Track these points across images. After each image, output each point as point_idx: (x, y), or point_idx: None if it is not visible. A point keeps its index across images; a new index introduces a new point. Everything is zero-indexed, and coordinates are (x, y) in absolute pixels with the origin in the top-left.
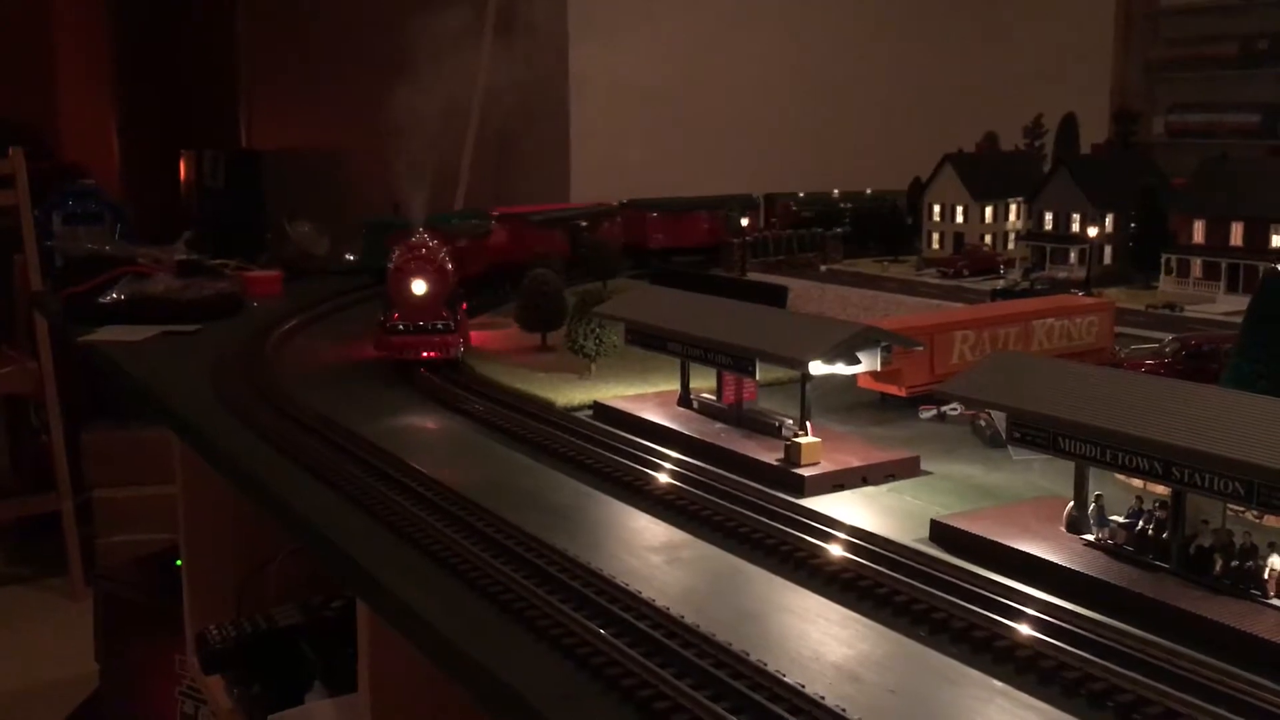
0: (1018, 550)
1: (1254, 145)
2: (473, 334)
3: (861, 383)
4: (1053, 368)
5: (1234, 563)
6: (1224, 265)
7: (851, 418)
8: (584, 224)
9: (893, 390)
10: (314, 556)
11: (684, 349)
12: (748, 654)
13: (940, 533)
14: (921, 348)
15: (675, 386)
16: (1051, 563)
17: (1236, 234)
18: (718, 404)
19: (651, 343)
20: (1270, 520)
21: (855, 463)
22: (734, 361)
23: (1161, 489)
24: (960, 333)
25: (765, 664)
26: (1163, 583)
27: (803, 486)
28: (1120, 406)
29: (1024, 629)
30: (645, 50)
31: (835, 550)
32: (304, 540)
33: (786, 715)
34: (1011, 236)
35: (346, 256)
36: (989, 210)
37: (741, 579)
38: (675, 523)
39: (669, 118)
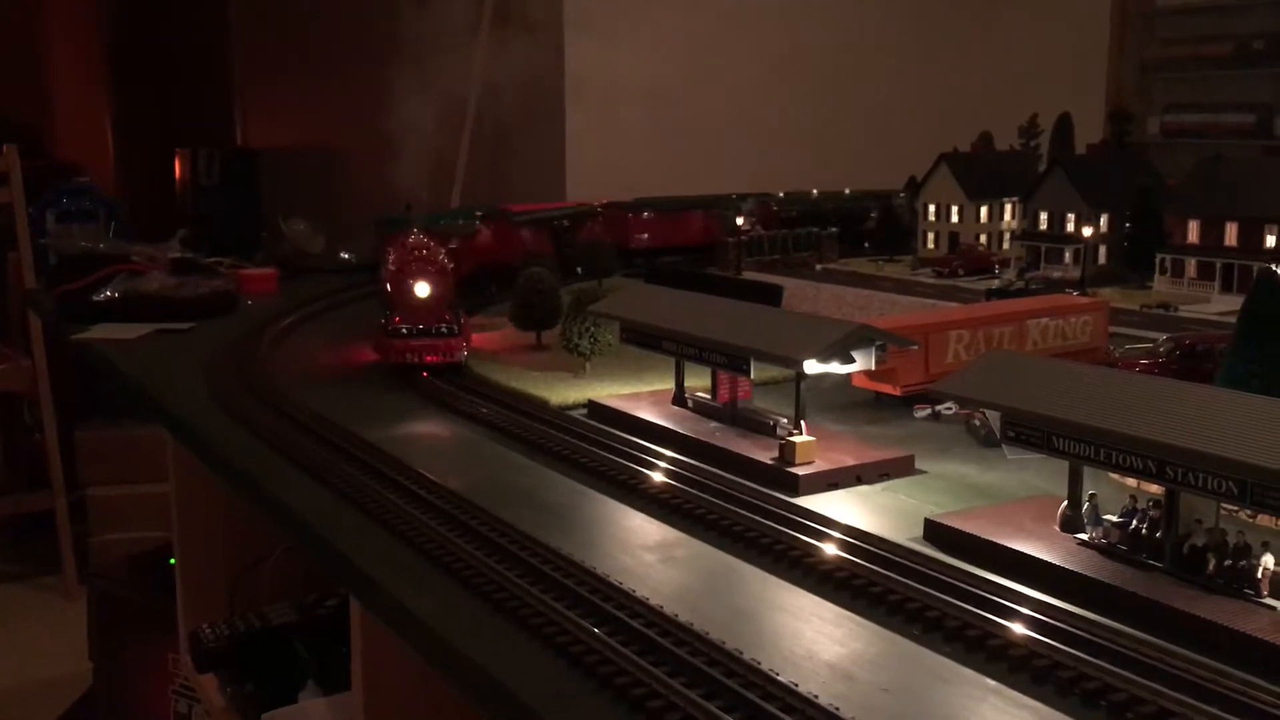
0: (1012, 549)
1: (1249, 145)
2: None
3: (856, 382)
4: (1047, 367)
5: (1227, 562)
6: (1219, 265)
7: (846, 417)
8: (566, 224)
9: (887, 389)
10: (307, 555)
11: (679, 348)
12: (741, 653)
13: (934, 532)
14: (916, 347)
15: (670, 385)
16: (1045, 562)
17: (1231, 234)
18: (712, 403)
19: (646, 341)
20: (1264, 520)
21: (850, 462)
22: (729, 360)
23: (1155, 488)
24: (955, 332)
25: (759, 663)
26: (1156, 582)
27: (797, 485)
28: (1114, 406)
29: (1018, 628)
30: (641, 48)
31: (829, 549)
32: (297, 539)
33: (780, 714)
34: (1006, 236)
35: (342, 255)
36: (984, 210)
37: (735, 578)
38: (669, 521)
39: (665, 116)
